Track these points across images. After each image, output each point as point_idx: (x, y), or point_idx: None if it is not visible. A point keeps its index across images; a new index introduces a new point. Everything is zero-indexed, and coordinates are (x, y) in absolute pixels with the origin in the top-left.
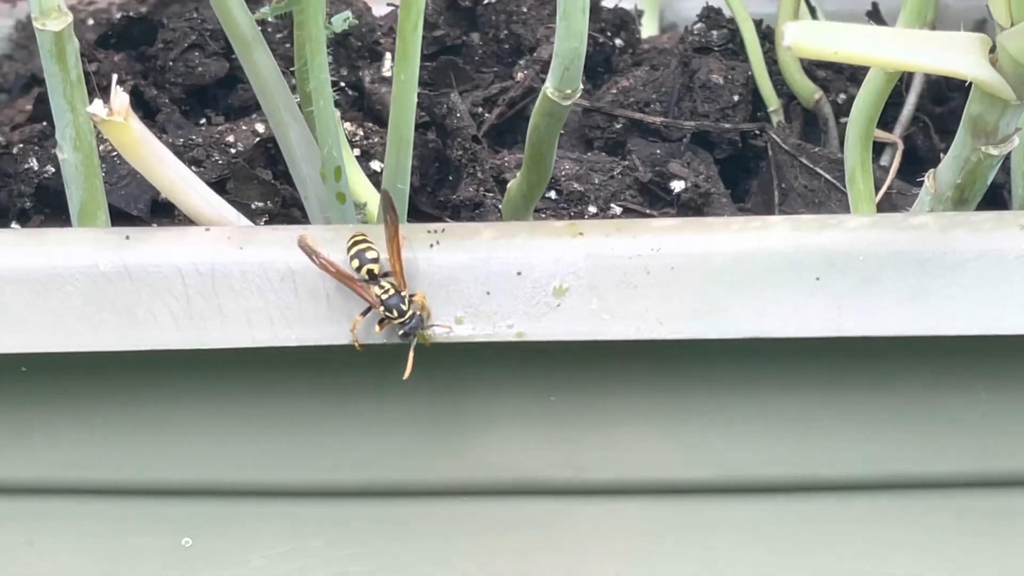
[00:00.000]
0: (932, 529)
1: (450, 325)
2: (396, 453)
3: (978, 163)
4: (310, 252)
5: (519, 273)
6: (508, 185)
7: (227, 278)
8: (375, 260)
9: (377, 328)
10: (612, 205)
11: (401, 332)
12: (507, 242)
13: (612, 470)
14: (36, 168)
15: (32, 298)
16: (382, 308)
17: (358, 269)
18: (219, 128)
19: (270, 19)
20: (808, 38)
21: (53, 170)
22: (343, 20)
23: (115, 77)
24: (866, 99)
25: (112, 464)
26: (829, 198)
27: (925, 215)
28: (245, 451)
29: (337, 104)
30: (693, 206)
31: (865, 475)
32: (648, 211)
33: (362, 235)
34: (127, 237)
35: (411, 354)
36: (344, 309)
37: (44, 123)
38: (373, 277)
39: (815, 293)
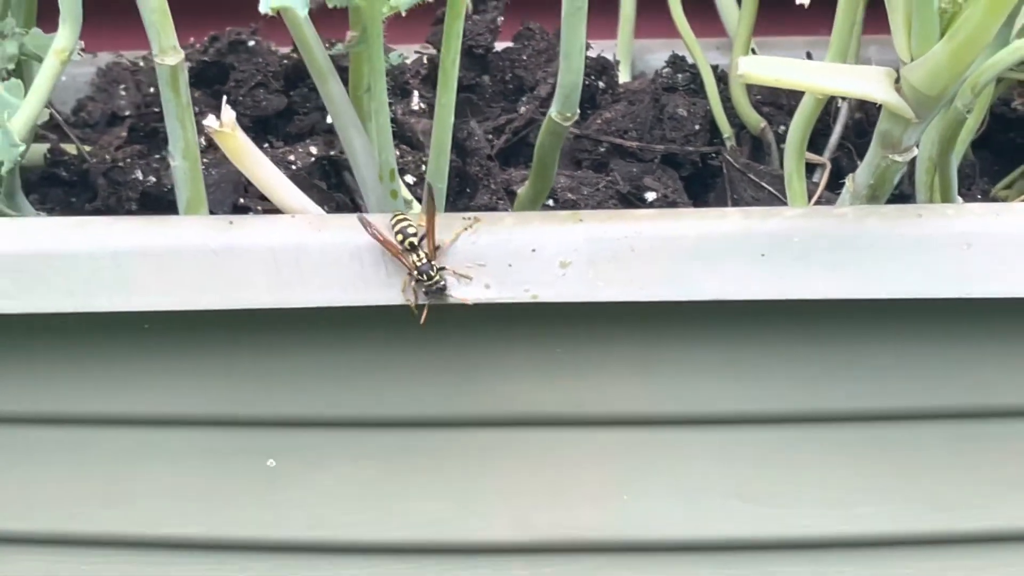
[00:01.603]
0: (845, 454)
1: (471, 296)
2: (436, 392)
3: (886, 168)
4: (366, 224)
5: (534, 250)
6: (518, 193)
7: (308, 254)
8: (414, 234)
9: (413, 293)
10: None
11: (424, 292)
12: (524, 227)
13: (604, 405)
14: (141, 178)
15: (157, 269)
16: (415, 272)
17: (401, 241)
18: (280, 150)
19: (342, 53)
20: (756, 69)
21: (154, 180)
22: (397, 56)
23: (224, 98)
24: (800, 118)
25: (213, 401)
26: (772, 206)
27: (846, 207)
28: (319, 391)
29: None
30: None
31: (796, 409)
32: None
33: (402, 214)
34: (231, 222)
35: (425, 311)
36: (399, 278)
37: (139, 146)
38: (412, 248)
39: (761, 266)
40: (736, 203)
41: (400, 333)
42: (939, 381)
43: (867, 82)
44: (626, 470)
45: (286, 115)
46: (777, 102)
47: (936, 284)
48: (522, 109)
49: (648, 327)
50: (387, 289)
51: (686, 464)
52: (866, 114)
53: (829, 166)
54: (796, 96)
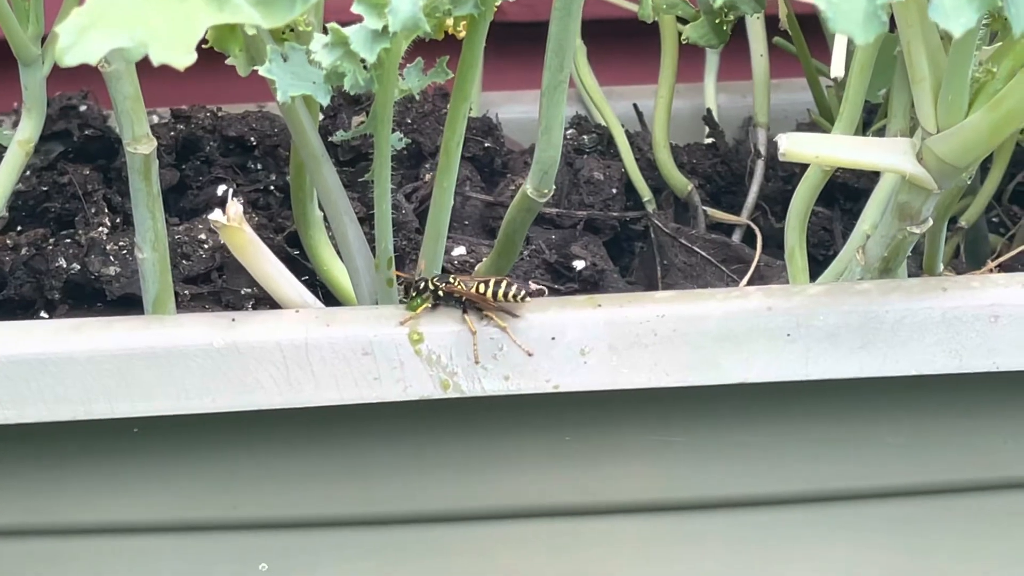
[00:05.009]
0: (867, 532)
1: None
2: (441, 487)
3: (902, 240)
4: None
5: (553, 338)
6: (477, 267)
7: (318, 350)
8: (448, 285)
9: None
10: (529, 282)
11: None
12: (542, 314)
13: (617, 493)
14: (65, 266)
15: (159, 371)
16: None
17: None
18: (186, 226)
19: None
20: (797, 147)
21: (78, 267)
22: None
23: (231, 191)
24: (805, 190)
25: (202, 505)
26: (705, 271)
27: (868, 283)
28: (319, 489)
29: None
30: (592, 281)
31: (820, 490)
32: (556, 286)
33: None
34: (233, 320)
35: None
36: (416, 373)
37: (40, 229)
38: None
39: (787, 347)
40: (666, 268)
41: (414, 428)
42: (961, 456)
43: (895, 155)
44: (639, 558)
45: (179, 189)
46: (691, 166)
47: (964, 359)
48: (427, 177)
49: (664, 411)
50: (402, 384)
51: (701, 550)
52: (775, 172)
53: (753, 226)
54: (705, 157)
